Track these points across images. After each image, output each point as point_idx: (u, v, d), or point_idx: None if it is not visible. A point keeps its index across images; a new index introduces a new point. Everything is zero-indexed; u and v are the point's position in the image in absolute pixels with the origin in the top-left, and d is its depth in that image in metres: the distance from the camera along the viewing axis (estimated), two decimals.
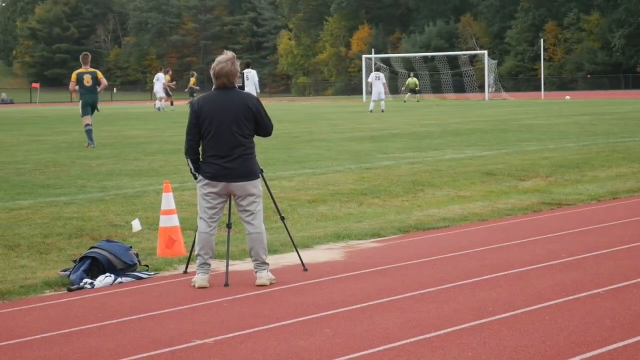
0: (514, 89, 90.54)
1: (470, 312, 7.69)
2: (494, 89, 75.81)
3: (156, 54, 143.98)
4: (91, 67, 25.80)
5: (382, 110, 46.91)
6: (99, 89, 25.47)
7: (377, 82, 47.63)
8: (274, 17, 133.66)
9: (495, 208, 13.81)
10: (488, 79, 72.38)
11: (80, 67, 25.56)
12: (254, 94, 38.56)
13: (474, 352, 6.54)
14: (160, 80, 57.22)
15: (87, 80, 25.24)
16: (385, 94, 49.71)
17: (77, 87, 25.54)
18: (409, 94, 72.49)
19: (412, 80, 72.33)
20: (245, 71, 37.76)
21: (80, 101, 25.76)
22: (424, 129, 31.31)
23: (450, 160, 19.87)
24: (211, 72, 9.15)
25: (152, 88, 60.67)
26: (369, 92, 65.51)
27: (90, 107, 25.41)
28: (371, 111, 46.57)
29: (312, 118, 41.00)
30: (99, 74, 25.79)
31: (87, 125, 25.40)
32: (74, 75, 25.54)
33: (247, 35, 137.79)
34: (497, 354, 6.47)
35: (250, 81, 37.12)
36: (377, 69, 51.31)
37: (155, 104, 57.68)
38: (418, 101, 68.40)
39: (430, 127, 32.39)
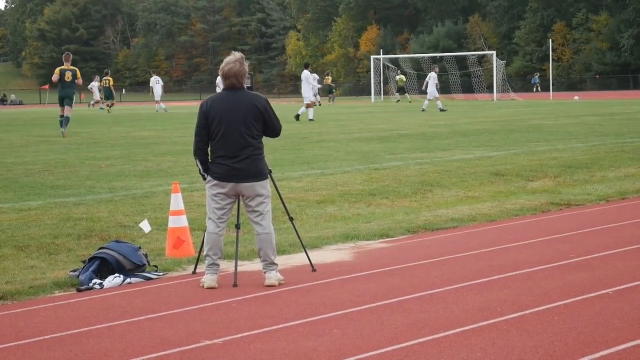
0: (523, 90, 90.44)
1: (478, 312, 7.69)
2: (538, 87, 75.62)
3: (165, 54, 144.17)
4: (72, 65, 30.06)
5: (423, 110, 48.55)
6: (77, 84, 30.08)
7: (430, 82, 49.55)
8: (283, 18, 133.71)
9: (504, 208, 13.81)
10: (533, 78, 71.65)
11: (63, 64, 29.59)
12: (310, 93, 38.98)
13: (483, 352, 6.54)
14: (159, 83, 58.52)
15: (68, 76, 29.40)
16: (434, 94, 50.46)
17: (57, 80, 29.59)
18: (397, 93, 72.72)
19: (400, 77, 72.53)
20: (306, 73, 39.65)
21: (57, 94, 30.18)
22: (433, 129, 31.28)
23: (459, 160, 19.85)
24: (220, 73, 9.16)
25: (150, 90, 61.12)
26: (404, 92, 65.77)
27: (64, 99, 29.77)
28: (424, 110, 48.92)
29: (321, 119, 40.99)
30: (78, 73, 30.03)
31: (61, 115, 29.88)
32: (57, 70, 29.48)
33: (256, 36, 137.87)
34: (506, 354, 6.47)
35: (305, 81, 38.91)
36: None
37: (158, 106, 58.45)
38: (410, 102, 67.49)
39: (438, 127, 32.36)
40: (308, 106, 38.87)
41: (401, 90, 74.01)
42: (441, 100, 51.66)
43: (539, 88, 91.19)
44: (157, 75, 60.84)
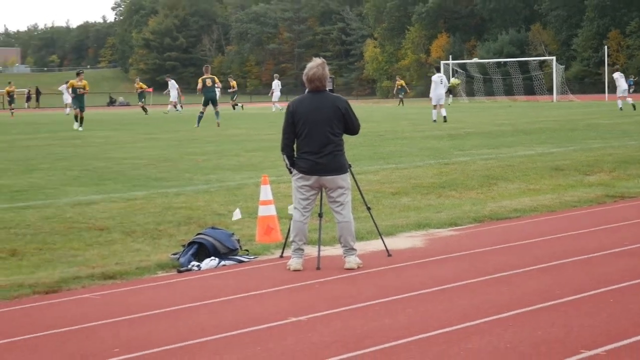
0: (580, 92, 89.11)
1: (539, 294, 7.61)
2: (633, 89, 72.61)
3: (255, 61, 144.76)
4: (209, 74, 36.71)
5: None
6: (217, 89, 37.04)
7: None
8: (361, 27, 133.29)
9: (563, 200, 13.63)
10: (627, 81, 68.42)
11: (203, 74, 36.62)
12: (442, 92, 36.99)
13: (543, 331, 6.47)
14: (174, 87, 59.07)
15: (208, 83, 36.12)
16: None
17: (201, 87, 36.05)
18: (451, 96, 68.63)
19: (455, 80, 69.20)
20: (438, 76, 37.30)
21: (203, 97, 36.20)
22: (497, 128, 30.99)
23: (522, 156, 19.63)
24: (304, 77, 9.17)
25: (270, 92, 61.16)
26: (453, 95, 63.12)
27: (210, 100, 36.02)
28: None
29: (395, 118, 40.86)
30: (216, 79, 37.03)
31: (201, 112, 35.84)
32: (200, 80, 36.46)
33: (337, 44, 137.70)
34: (565, 333, 6.38)
35: (443, 84, 37.06)
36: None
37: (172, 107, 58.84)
38: (449, 104, 64.09)
39: (503, 126, 32.05)
40: (435, 107, 36.51)
41: (451, 92, 72.08)
42: (502, 101, 49.49)
43: (633, 89, 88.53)
44: (172, 79, 61.71)
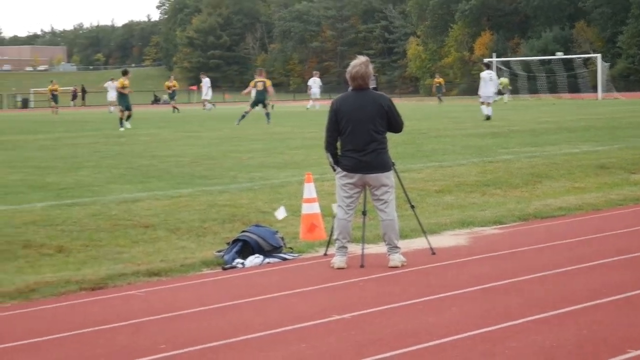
0: (625, 89, 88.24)
1: (585, 293, 7.55)
2: None
3: (298, 59, 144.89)
4: (263, 77, 36.94)
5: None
6: (268, 92, 36.82)
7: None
8: (404, 25, 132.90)
9: (609, 198, 13.52)
10: None
11: (254, 78, 37.40)
12: (491, 90, 35.44)
13: (589, 330, 6.42)
14: (206, 85, 57.98)
15: (259, 86, 36.48)
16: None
17: (252, 89, 36.85)
18: (505, 95, 65.79)
19: (504, 80, 67.84)
20: (487, 73, 36.10)
21: (254, 98, 36.67)
22: (541, 125, 30.79)
23: (566, 154, 19.49)
24: (347, 75, 9.18)
25: (307, 89, 60.77)
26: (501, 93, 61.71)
27: (257, 102, 36.62)
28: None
29: (438, 116, 40.73)
30: (267, 82, 36.88)
31: (246, 112, 36.10)
32: (252, 82, 37.30)
33: (380, 42, 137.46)
34: (611, 332, 6.33)
35: (494, 82, 35.80)
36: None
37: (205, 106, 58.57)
38: (505, 102, 62.22)
39: (547, 124, 31.83)
40: (483, 104, 35.33)
41: (501, 92, 71.39)
42: (546, 99, 48.23)
43: None
44: (206, 77, 60.06)
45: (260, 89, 36.56)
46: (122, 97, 35.61)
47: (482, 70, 38.83)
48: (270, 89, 37.65)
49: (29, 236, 10.65)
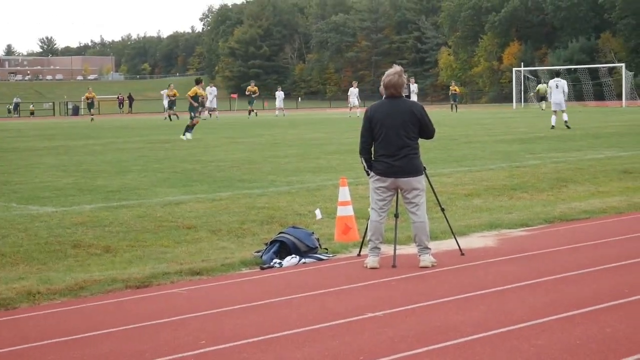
0: None
1: (608, 293, 7.49)
2: None
3: (334, 68, 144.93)
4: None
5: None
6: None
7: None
8: (436, 36, 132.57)
9: (632, 202, 13.39)
10: None
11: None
12: (561, 97, 33.06)
13: (612, 328, 6.37)
14: (212, 94, 55.24)
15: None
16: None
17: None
18: (543, 102, 63.17)
19: (542, 87, 66.67)
20: (554, 80, 34.04)
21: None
22: (567, 132, 30.57)
23: (591, 160, 19.35)
24: (381, 84, 9.18)
25: (347, 98, 59.64)
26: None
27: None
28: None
29: (468, 123, 40.57)
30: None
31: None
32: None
33: (412, 52, 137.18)
34: (633, 331, 6.27)
35: (560, 89, 33.33)
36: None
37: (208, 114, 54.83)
38: (543, 109, 60.14)
39: (572, 130, 31.59)
40: (555, 113, 33.54)
41: (544, 98, 70.71)
42: (572, 106, 46.47)
43: None
44: (214, 86, 57.84)
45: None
46: (191, 106, 33.35)
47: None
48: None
49: (79, 236, 10.74)
